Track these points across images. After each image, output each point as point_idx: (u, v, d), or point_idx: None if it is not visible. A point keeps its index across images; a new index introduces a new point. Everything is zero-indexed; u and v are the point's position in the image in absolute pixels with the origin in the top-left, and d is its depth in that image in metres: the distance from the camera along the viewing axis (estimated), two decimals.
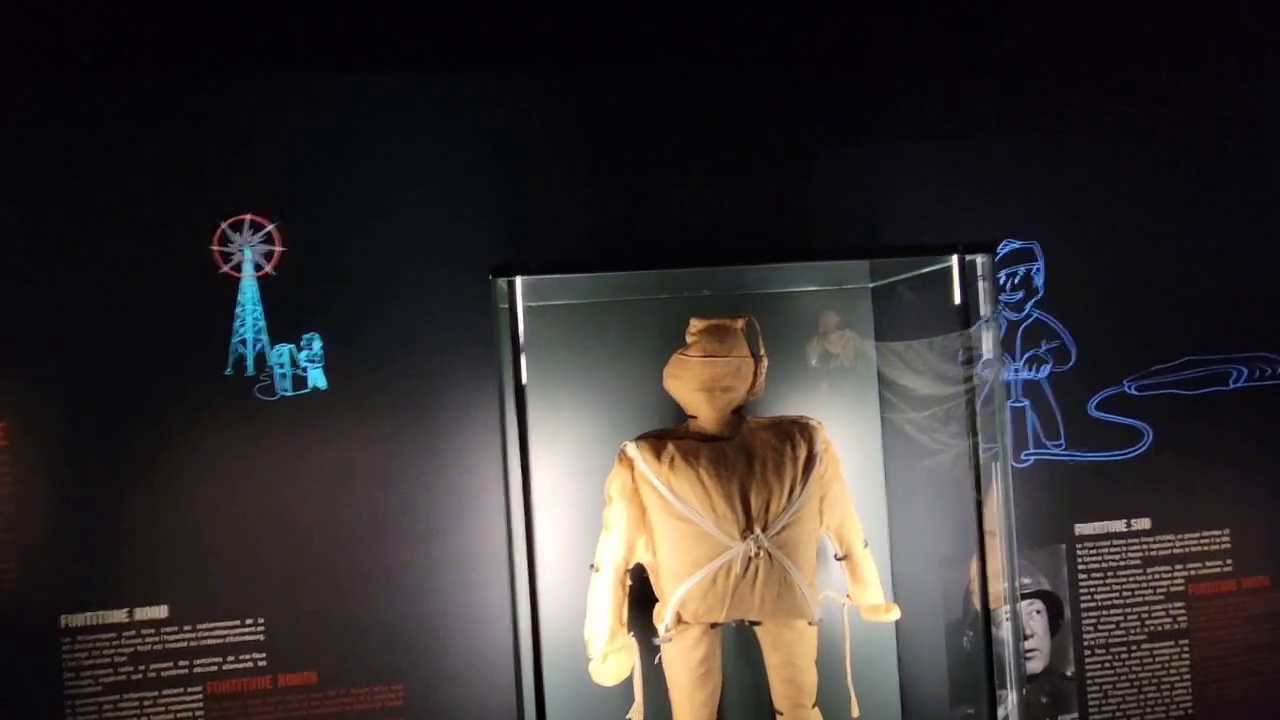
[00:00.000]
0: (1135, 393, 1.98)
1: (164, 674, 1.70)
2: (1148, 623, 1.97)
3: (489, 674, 1.74)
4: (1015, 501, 1.80)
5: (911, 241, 1.74)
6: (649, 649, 1.60)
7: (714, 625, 1.58)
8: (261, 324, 1.74)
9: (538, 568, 1.33)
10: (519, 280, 1.29)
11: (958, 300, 1.41)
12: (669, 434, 1.60)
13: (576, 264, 1.33)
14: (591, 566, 1.59)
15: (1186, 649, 1.97)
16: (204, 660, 1.71)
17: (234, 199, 1.74)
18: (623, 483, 1.55)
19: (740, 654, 1.77)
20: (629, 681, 1.59)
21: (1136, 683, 1.96)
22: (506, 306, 1.37)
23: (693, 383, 1.56)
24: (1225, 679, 1.97)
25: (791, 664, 1.59)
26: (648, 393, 1.74)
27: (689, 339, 1.62)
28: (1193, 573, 1.98)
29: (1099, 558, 1.96)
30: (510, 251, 1.71)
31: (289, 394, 1.74)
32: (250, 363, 1.73)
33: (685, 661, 1.57)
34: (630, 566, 1.59)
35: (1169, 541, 1.98)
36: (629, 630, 1.59)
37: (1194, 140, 2.02)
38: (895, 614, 1.68)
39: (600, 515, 1.60)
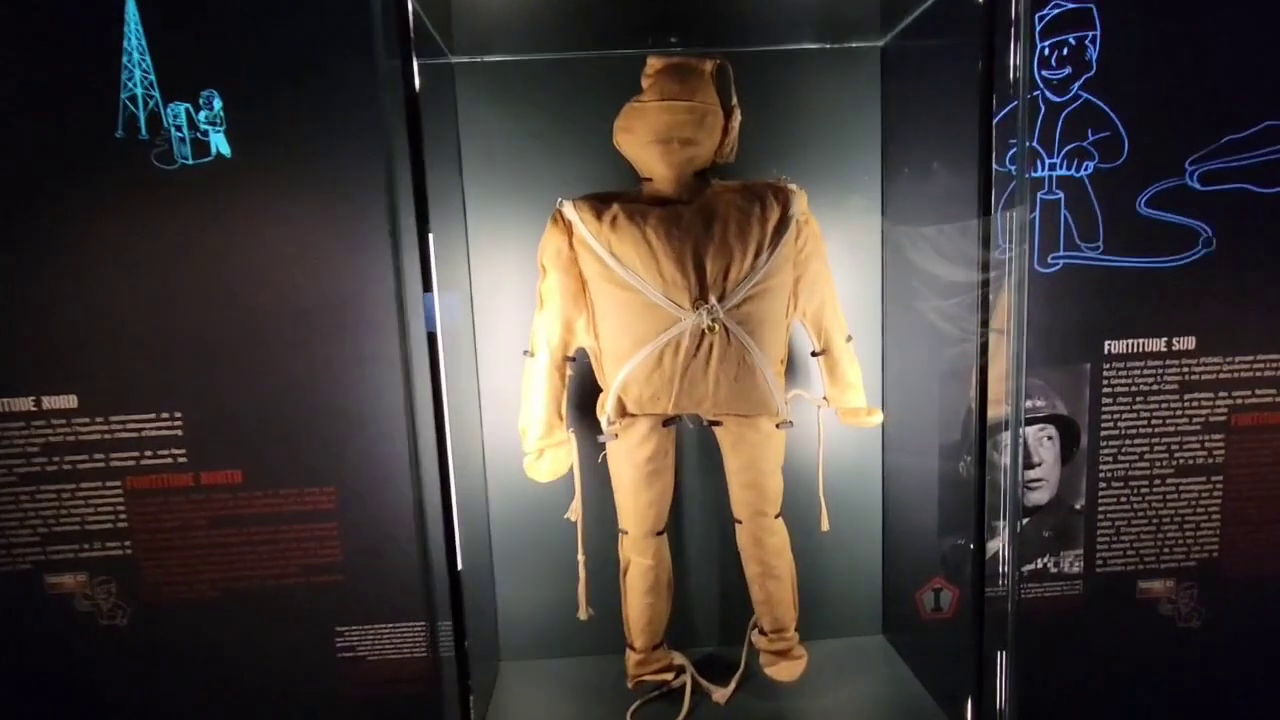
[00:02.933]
0: (1198, 185, 1.64)
1: (80, 467, 1.58)
2: (1177, 455, 1.72)
3: (426, 476, 1.59)
4: (1036, 313, 1.53)
5: None
6: (594, 446, 1.41)
7: (666, 423, 1.38)
8: (152, 78, 1.50)
9: (440, 355, 1.13)
10: None
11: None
12: (616, 196, 1.35)
13: None
14: (525, 352, 1.39)
15: (1220, 485, 1.73)
16: (120, 454, 1.59)
17: None
18: (557, 248, 1.31)
19: (701, 458, 1.59)
20: (570, 479, 1.42)
21: (1155, 520, 1.75)
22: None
23: (646, 134, 1.29)
24: (1259, 521, 1.74)
25: (754, 467, 1.40)
26: (606, 159, 1.46)
27: (644, 83, 1.34)
28: (1239, 401, 1.71)
29: (1129, 380, 1.69)
30: None
31: (189, 161, 1.52)
32: (143, 124, 1.50)
33: (631, 459, 1.38)
34: (570, 352, 1.38)
35: (1214, 365, 1.70)
36: (568, 424, 1.40)
37: None
38: (877, 418, 1.47)
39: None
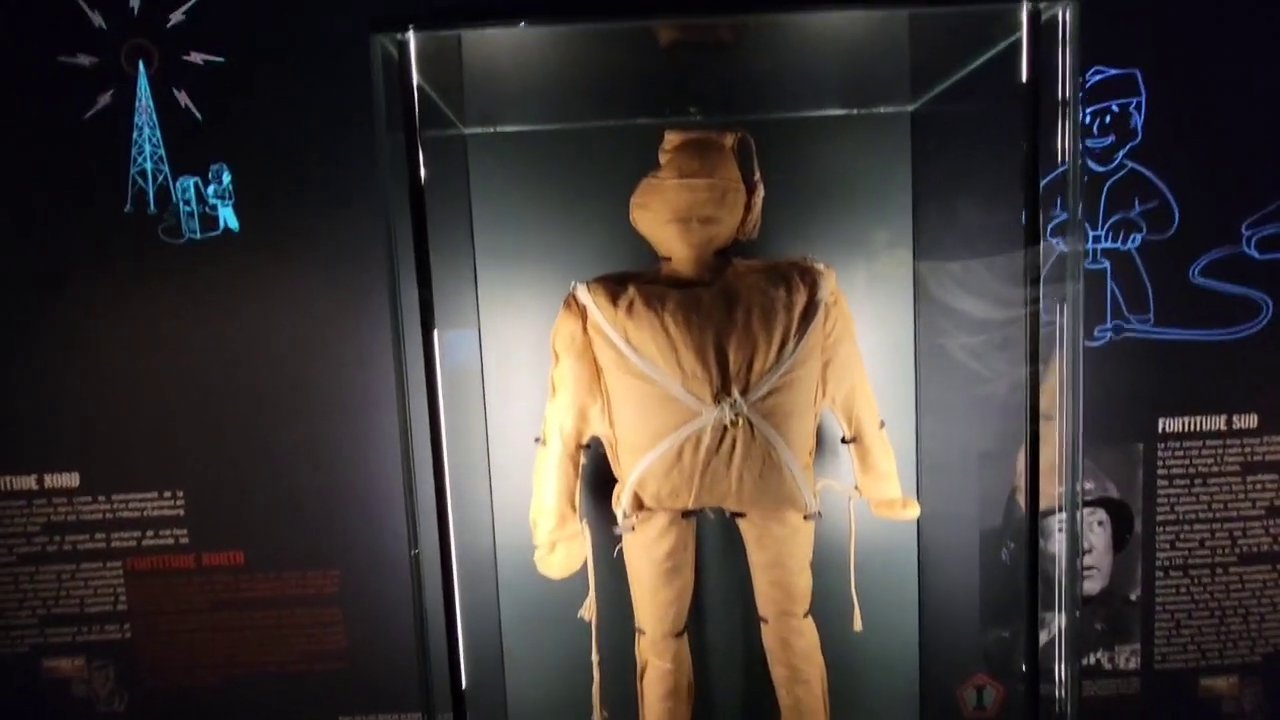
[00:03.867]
0: (1255, 253, 1.53)
1: (80, 547, 1.54)
2: (1240, 542, 1.59)
3: (431, 561, 1.52)
4: (1084, 389, 1.42)
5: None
6: (610, 538, 1.33)
7: (686, 515, 1.29)
8: (161, 152, 1.47)
9: (443, 441, 1.06)
10: (412, 37, 0.95)
11: (1024, 71, 1.00)
12: (633, 277, 1.28)
13: (492, 11, 0.97)
14: (537, 439, 1.32)
15: None
16: (122, 534, 1.54)
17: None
18: (571, 334, 1.24)
19: (724, 549, 1.49)
20: (584, 573, 1.34)
21: (1218, 612, 1.61)
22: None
23: (664, 212, 1.22)
24: None
25: (780, 564, 1.30)
26: (621, 234, 1.40)
27: (662, 158, 1.27)
28: None
29: (1186, 461, 1.57)
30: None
31: (196, 236, 1.48)
32: (152, 198, 1.48)
33: (649, 555, 1.29)
34: (584, 441, 1.30)
35: (1277, 444, 1.57)
36: (581, 516, 1.32)
37: None
38: (914, 511, 1.36)
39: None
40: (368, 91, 1.04)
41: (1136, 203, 1.55)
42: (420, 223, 0.99)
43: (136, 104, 1.46)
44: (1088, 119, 1.53)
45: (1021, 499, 1.51)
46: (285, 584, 1.55)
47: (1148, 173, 1.53)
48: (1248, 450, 1.57)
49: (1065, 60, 0.97)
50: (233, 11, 1.43)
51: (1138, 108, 1.54)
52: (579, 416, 1.28)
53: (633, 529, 1.28)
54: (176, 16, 1.43)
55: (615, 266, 1.43)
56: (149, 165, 1.47)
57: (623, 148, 1.45)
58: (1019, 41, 1.02)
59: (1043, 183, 1.39)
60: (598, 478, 1.41)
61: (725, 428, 1.16)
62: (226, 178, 1.48)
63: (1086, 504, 1.57)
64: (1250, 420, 1.57)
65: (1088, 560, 1.59)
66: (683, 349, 1.16)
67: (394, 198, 1.03)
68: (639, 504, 1.26)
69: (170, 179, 1.47)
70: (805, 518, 1.28)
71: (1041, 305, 1.24)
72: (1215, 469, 1.58)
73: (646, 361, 1.18)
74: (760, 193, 1.28)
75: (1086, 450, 1.54)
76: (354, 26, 1.42)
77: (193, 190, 1.48)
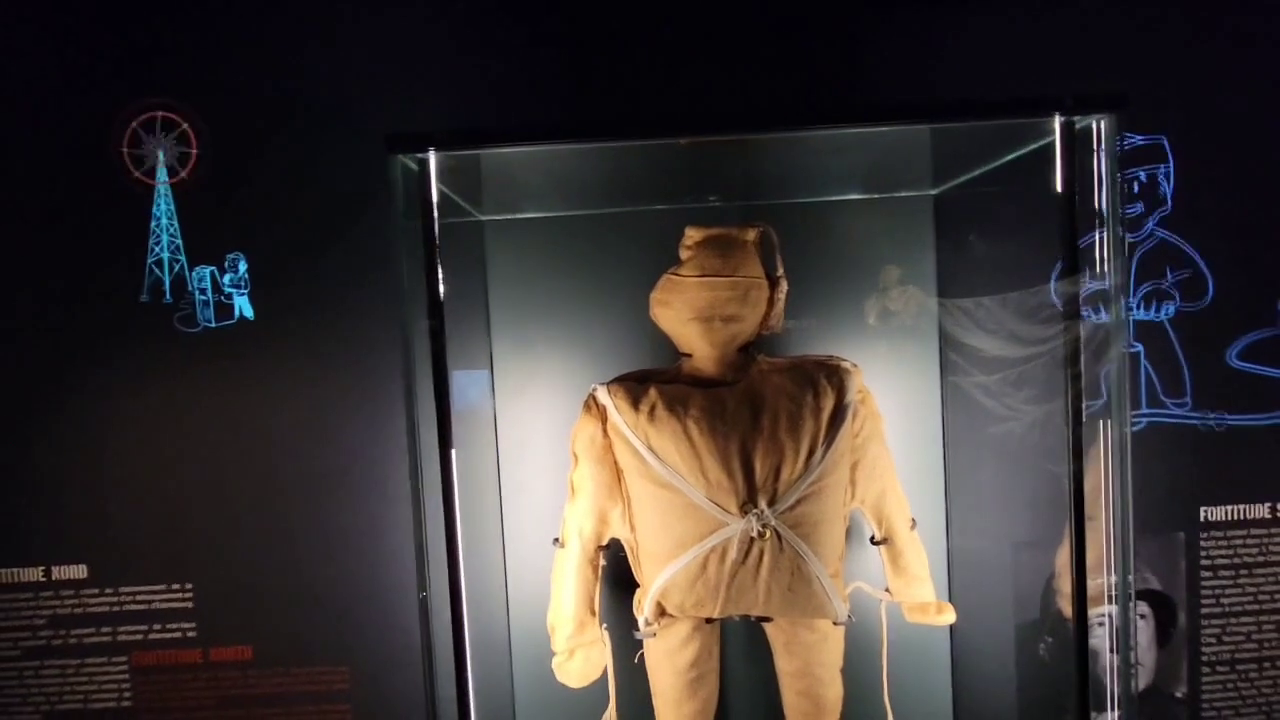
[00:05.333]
0: None
1: (86, 641, 1.50)
2: None
3: (444, 658, 1.46)
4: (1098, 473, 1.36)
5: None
6: (630, 643, 1.28)
7: (710, 620, 1.24)
8: (178, 241, 1.47)
9: (459, 541, 1.02)
10: (431, 156, 0.94)
11: (1059, 183, 0.97)
12: (655, 376, 1.24)
13: (512, 134, 0.96)
14: (555, 541, 1.27)
15: None
16: (128, 628, 1.50)
17: (142, 94, 1.44)
18: (590, 437, 1.20)
19: (748, 652, 1.43)
20: (604, 681, 1.28)
21: (1267, 708, 1.52)
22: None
23: (686, 310, 1.19)
24: None
25: (809, 673, 1.24)
26: (641, 323, 1.38)
27: (683, 254, 1.25)
28: None
29: (1230, 551, 1.50)
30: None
31: (212, 325, 1.47)
32: (168, 288, 1.47)
33: (672, 663, 1.24)
34: (603, 543, 1.26)
35: None
36: (601, 621, 1.27)
37: None
38: (949, 616, 1.30)
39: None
40: (380, 182, 1.03)
41: (1169, 271, 1.51)
42: (439, 347, 0.96)
43: (155, 195, 1.46)
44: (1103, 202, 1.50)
45: (1058, 592, 1.45)
46: (294, 680, 1.50)
47: (1179, 241, 1.49)
48: None
49: (1102, 171, 0.94)
50: (250, 106, 1.44)
51: (1166, 176, 1.51)
52: (599, 520, 1.23)
53: (654, 635, 1.23)
54: (194, 110, 1.43)
55: (631, 353, 1.40)
56: (166, 255, 1.46)
57: (641, 233, 1.43)
58: (1049, 145, 1.00)
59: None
60: (617, 578, 1.36)
61: (752, 539, 1.11)
62: (243, 266, 1.47)
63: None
64: None
65: (1109, 661, 1.51)
66: (707, 457, 1.12)
67: (413, 303, 1.00)
68: (661, 611, 1.21)
69: (187, 268, 1.46)
70: (835, 623, 1.23)
71: (1084, 400, 1.19)
72: (1261, 559, 1.51)
73: (669, 469, 1.14)
74: (784, 287, 1.25)
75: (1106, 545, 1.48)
76: (371, 122, 1.43)
77: (209, 279, 1.47)
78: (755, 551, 1.12)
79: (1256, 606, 1.51)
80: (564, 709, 1.41)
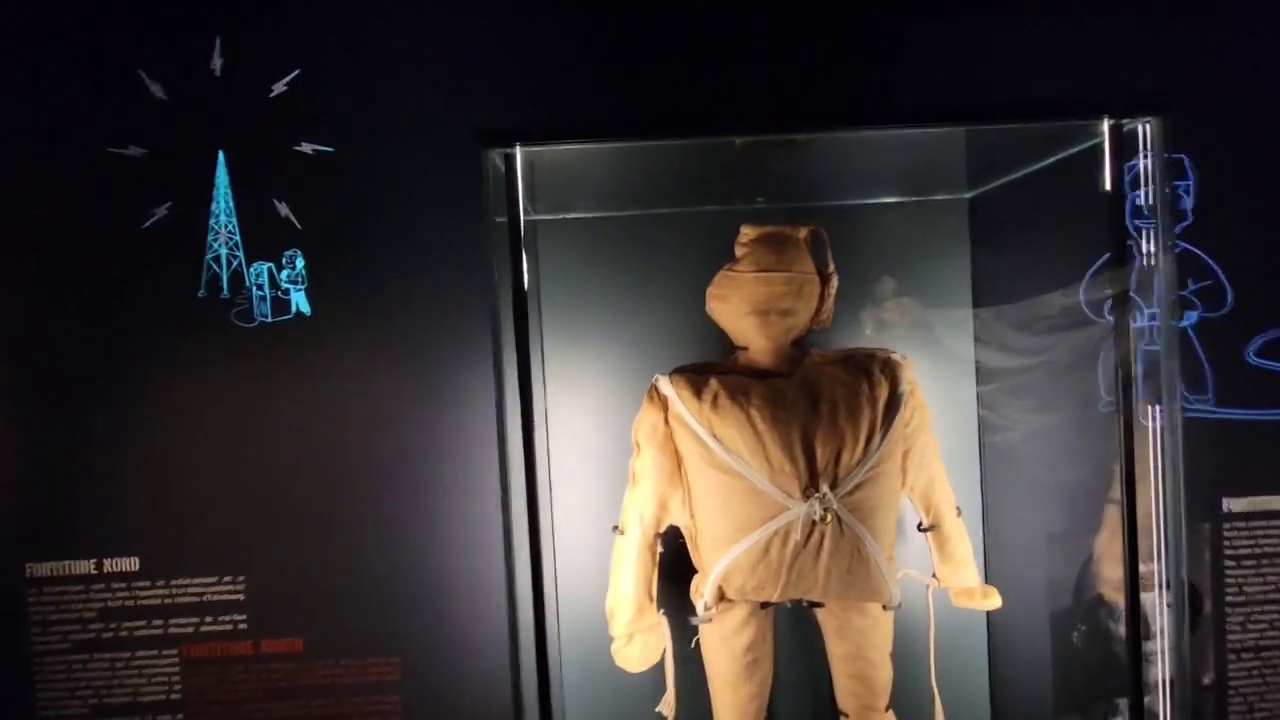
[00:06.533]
0: None
1: (136, 633, 1.51)
2: None
3: (496, 648, 1.49)
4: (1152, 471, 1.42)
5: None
6: (685, 629, 1.31)
7: (765, 605, 1.28)
8: (236, 238, 1.50)
9: (541, 527, 1.05)
10: (519, 151, 0.99)
11: (1107, 184, 1.04)
12: (712, 368, 1.29)
13: (594, 128, 1.01)
14: (615, 528, 1.31)
15: None
16: (180, 620, 1.51)
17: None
18: (653, 425, 1.25)
19: (795, 638, 1.47)
20: (659, 667, 1.31)
21: None
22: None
23: (743, 305, 1.24)
24: None
25: (862, 656, 1.28)
26: (689, 322, 1.43)
27: (738, 251, 1.30)
28: None
29: (1253, 541, 1.56)
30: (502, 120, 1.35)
31: (268, 320, 1.50)
32: (225, 283, 1.50)
33: (729, 647, 1.27)
34: (662, 529, 1.30)
35: None
36: (660, 606, 1.30)
37: None
38: (995, 601, 1.35)
39: (627, 466, 1.31)
40: (439, 177, 1.06)
41: (1190, 281, 1.58)
42: (523, 333, 1.00)
43: (215, 192, 1.49)
44: (1138, 200, 1.58)
45: (1095, 579, 1.50)
46: (344, 671, 1.52)
47: (1201, 253, 1.57)
48: None
49: (1153, 176, 1.00)
50: (308, 105, 1.48)
51: (1187, 190, 1.58)
52: (659, 506, 1.27)
53: (710, 620, 1.26)
54: (252, 111, 1.47)
55: (679, 351, 1.44)
56: (224, 251, 1.49)
57: (691, 234, 1.48)
58: (1094, 148, 1.06)
59: (1097, 264, 1.41)
60: (670, 567, 1.39)
61: (815, 523, 1.15)
62: (300, 262, 1.50)
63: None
64: None
65: (1156, 645, 1.57)
66: (770, 443, 1.17)
67: (503, 295, 1.04)
68: (721, 596, 1.25)
69: (244, 264, 1.49)
70: (885, 608, 1.27)
71: (1100, 385, 1.24)
72: (1275, 549, 1.58)
73: (733, 455, 1.18)
74: (834, 283, 1.30)
75: (1150, 533, 1.53)
76: (427, 121, 1.47)
77: (266, 275, 1.50)
78: (817, 535, 1.16)
79: (1279, 595, 1.57)
80: (613, 697, 1.44)
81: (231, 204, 1.49)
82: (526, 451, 1.05)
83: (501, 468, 1.04)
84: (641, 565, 1.28)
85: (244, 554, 1.51)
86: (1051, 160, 1.25)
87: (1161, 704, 1.23)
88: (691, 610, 1.29)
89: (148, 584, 1.51)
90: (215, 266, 1.50)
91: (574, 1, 1.47)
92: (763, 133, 1.19)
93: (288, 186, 1.48)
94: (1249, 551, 1.56)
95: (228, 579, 1.51)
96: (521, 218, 1.01)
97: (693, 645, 1.32)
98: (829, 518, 1.15)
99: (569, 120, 1.21)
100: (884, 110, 1.37)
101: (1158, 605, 1.27)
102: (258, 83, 1.47)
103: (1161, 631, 1.29)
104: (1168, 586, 1.16)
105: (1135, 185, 1.56)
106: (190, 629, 1.51)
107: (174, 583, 1.51)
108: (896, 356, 1.28)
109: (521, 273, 1.02)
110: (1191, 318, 1.57)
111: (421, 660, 1.51)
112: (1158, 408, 1.11)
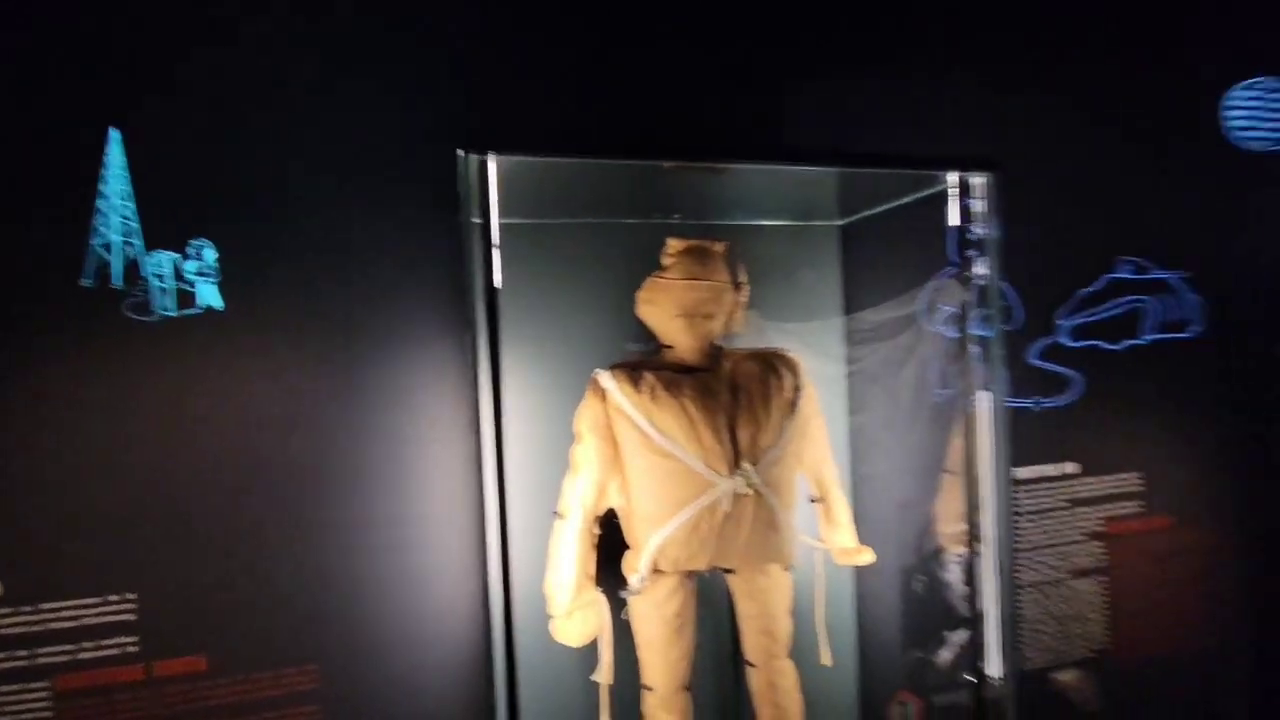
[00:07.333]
0: (1069, 342, 2.06)
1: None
2: (1072, 560, 2.07)
3: (419, 650, 1.50)
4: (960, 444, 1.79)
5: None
6: (616, 603, 1.44)
7: (690, 573, 1.44)
8: (134, 224, 1.38)
9: (510, 523, 1.13)
10: (492, 161, 1.07)
11: (954, 219, 1.35)
12: (644, 364, 1.44)
13: (567, 143, 1.12)
14: (555, 513, 1.41)
15: (1106, 585, 2.09)
16: (49, 649, 1.34)
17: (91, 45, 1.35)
18: (594, 416, 1.37)
19: (703, 602, 1.65)
20: (595, 640, 1.43)
21: (1058, 616, 2.06)
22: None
23: (672, 308, 1.41)
24: (1139, 613, 2.12)
25: (767, 613, 1.49)
26: (614, 323, 1.56)
27: (665, 261, 1.47)
28: (1113, 513, 2.10)
29: (1035, 500, 2.03)
30: (477, 129, 1.35)
31: (171, 313, 1.40)
32: (117, 273, 1.37)
33: (660, 614, 1.42)
34: (601, 513, 1.42)
35: (1091, 484, 2.09)
36: (598, 584, 1.42)
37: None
38: (869, 556, 1.63)
39: (566, 454, 1.42)
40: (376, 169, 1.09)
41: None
42: (494, 332, 1.08)
43: (105, 171, 1.36)
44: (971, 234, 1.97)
45: (934, 536, 1.86)
46: (255, 686, 1.44)
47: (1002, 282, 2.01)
48: (1072, 490, 2.07)
49: (988, 217, 1.33)
50: (220, 82, 1.41)
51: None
52: (599, 491, 1.39)
53: (641, 591, 1.41)
54: (153, 85, 1.38)
55: (602, 349, 1.56)
56: (116, 237, 1.37)
57: (617, 243, 1.62)
58: (941, 193, 1.38)
59: (931, 283, 1.77)
60: (600, 547, 1.51)
61: (739, 496, 1.34)
62: (210, 255, 1.42)
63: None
64: (1073, 466, 2.07)
65: (968, 587, 1.97)
66: (701, 428, 1.34)
67: (475, 296, 1.10)
68: (654, 568, 1.39)
69: (142, 253, 1.38)
70: (785, 569, 1.49)
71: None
72: (1050, 505, 2.05)
73: (669, 440, 1.34)
74: (745, 292, 1.52)
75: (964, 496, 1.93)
76: (365, 110, 1.44)
77: (169, 266, 1.40)
78: (740, 506, 1.35)
79: (1048, 541, 2.04)
80: (555, 667, 1.52)
81: (129, 186, 1.37)
82: (497, 451, 1.12)
83: (477, 463, 1.11)
84: (581, 546, 1.39)
85: (134, 570, 1.38)
86: (908, 199, 1.56)
87: (986, 630, 1.58)
88: (622, 584, 1.42)
89: (10, 611, 1.32)
90: (105, 254, 1.37)
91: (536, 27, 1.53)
92: (685, 160, 1.37)
93: (190, 167, 1.40)
94: (1032, 508, 2.02)
95: (114, 598, 1.37)
96: (494, 222, 1.09)
97: (623, 616, 1.45)
98: (751, 491, 1.35)
99: (535, 133, 1.29)
100: (778, 149, 1.61)
101: (981, 554, 1.62)
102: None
103: (950, 580, 1.66)
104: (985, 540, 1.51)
105: (967, 220, 1.97)
106: (65, 658, 1.35)
107: (42, 607, 1.34)
108: (793, 355, 1.52)
109: (492, 271, 1.10)
110: (993, 330, 2.00)
111: (340, 664, 1.48)
112: (985, 395, 1.45)
